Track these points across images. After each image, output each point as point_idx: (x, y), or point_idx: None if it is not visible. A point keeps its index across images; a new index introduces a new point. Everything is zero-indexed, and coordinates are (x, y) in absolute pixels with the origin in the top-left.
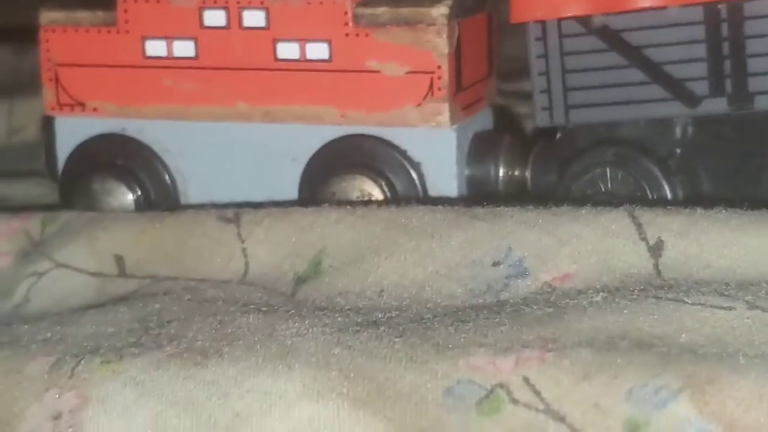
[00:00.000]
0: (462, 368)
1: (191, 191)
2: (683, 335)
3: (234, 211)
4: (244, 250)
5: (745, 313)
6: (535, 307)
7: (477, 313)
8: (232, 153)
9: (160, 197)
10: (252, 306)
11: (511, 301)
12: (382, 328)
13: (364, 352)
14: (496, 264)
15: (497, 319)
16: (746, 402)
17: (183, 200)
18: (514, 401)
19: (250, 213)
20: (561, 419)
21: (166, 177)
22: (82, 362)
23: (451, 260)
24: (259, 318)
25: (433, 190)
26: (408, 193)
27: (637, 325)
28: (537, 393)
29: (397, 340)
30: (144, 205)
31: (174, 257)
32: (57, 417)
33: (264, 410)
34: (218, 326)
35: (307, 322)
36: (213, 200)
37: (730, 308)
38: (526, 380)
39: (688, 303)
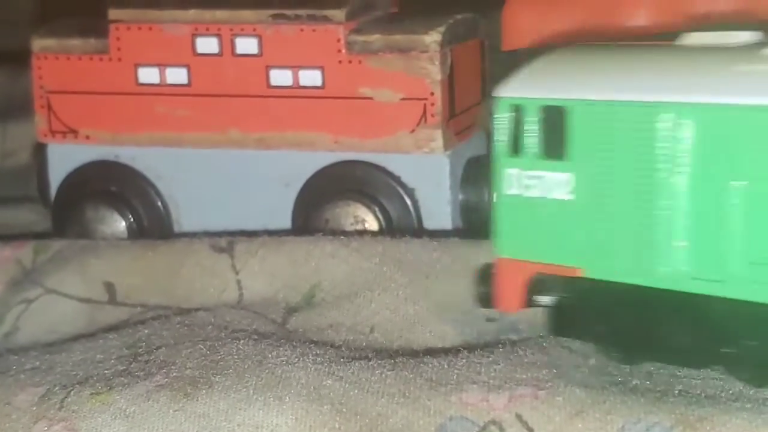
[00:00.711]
0: (455, 404)
1: (184, 218)
2: (678, 386)
3: (227, 239)
4: (238, 281)
5: None
6: (528, 351)
7: (470, 351)
8: (225, 180)
9: (153, 224)
10: (242, 332)
11: (505, 343)
12: (373, 360)
13: (356, 384)
14: (490, 320)
15: (490, 358)
16: None
17: (176, 227)
18: None
19: (244, 243)
20: None
21: (159, 204)
22: (72, 393)
23: (444, 301)
24: (249, 345)
25: (427, 216)
26: (401, 219)
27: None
28: (530, 430)
29: (389, 373)
30: (137, 232)
31: (166, 286)
32: None
33: None
34: (207, 353)
35: (298, 350)
36: (206, 227)
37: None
38: (519, 417)
39: None
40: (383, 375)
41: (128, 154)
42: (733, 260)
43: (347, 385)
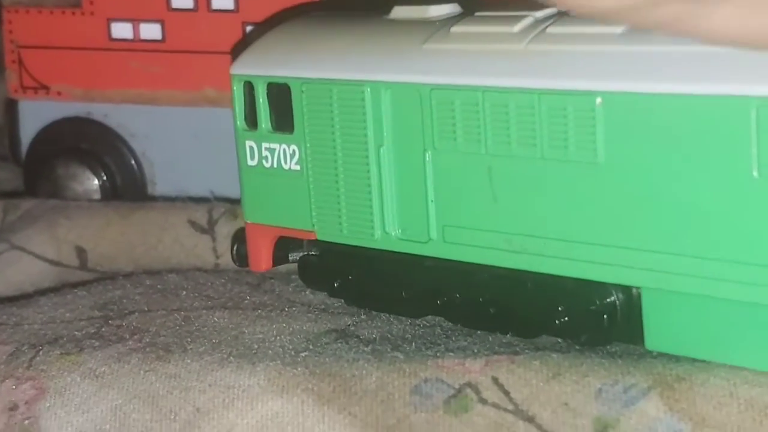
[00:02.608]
0: (431, 367)
1: (158, 177)
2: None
3: (207, 215)
4: (217, 264)
5: None
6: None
7: (447, 334)
8: (200, 138)
9: (127, 183)
10: (217, 300)
11: None
12: (353, 340)
13: (332, 354)
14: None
15: (469, 338)
16: (716, 399)
17: (150, 187)
18: (483, 401)
19: (225, 224)
20: (530, 419)
21: (133, 162)
22: (41, 353)
23: None
24: (225, 317)
25: None
26: None
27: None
28: (506, 393)
29: (366, 349)
30: (110, 191)
31: (141, 260)
32: (13, 408)
33: (226, 404)
34: (182, 323)
35: (275, 327)
36: (181, 186)
37: None
38: (495, 380)
39: None
40: (360, 349)
41: (101, 111)
42: (431, 224)
43: (322, 356)
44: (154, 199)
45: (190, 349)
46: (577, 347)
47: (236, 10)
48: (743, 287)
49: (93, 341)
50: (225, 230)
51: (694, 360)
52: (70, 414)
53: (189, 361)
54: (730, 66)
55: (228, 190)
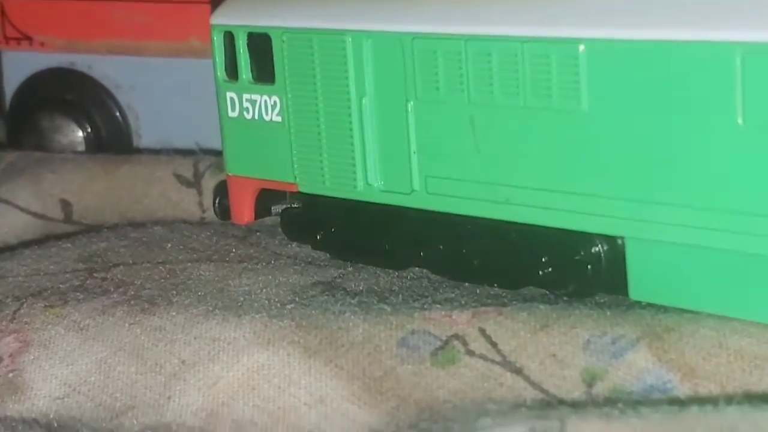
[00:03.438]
0: (417, 319)
1: (144, 129)
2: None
3: (193, 168)
4: (203, 218)
5: None
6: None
7: (434, 286)
8: (185, 90)
9: (112, 135)
10: (202, 253)
11: None
12: (339, 292)
13: (319, 307)
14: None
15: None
16: (706, 350)
17: (135, 139)
18: (470, 353)
19: (211, 177)
20: (517, 371)
21: (117, 114)
22: (25, 306)
23: None
24: (210, 269)
25: None
26: None
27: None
28: (493, 344)
29: (352, 301)
30: (94, 143)
31: (126, 213)
32: None
33: (211, 357)
34: (167, 276)
35: (260, 279)
36: (166, 138)
37: None
38: (483, 331)
39: None
40: (346, 301)
41: (85, 62)
42: (414, 175)
43: (309, 308)
44: (139, 151)
45: (176, 301)
46: (565, 298)
47: None
48: (728, 236)
49: (77, 294)
50: (211, 184)
51: (683, 311)
52: (55, 367)
53: (174, 313)
54: (715, 12)
55: (214, 142)
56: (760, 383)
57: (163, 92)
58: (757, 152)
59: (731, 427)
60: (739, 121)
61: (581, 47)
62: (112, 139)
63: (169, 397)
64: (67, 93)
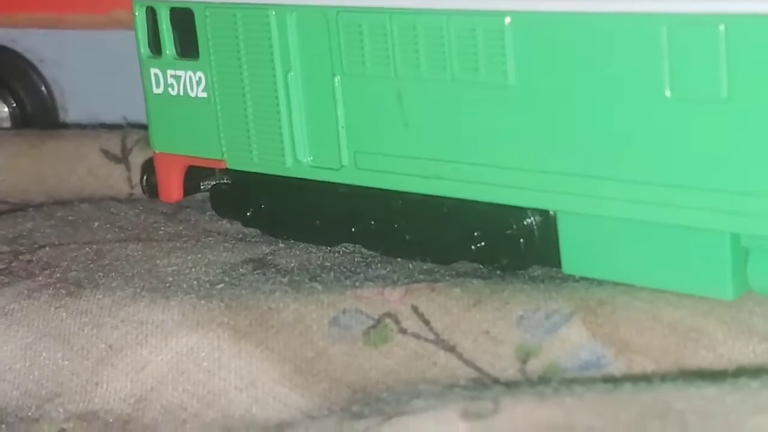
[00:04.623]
0: (349, 298)
1: (70, 103)
2: None
3: (121, 143)
4: (132, 194)
5: None
6: None
7: (367, 262)
8: (110, 63)
9: (37, 109)
10: (130, 231)
11: None
12: (270, 270)
13: (248, 287)
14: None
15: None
16: (639, 323)
17: (62, 113)
18: (403, 331)
19: (140, 152)
20: (451, 349)
21: (43, 88)
22: None
23: None
24: (138, 249)
25: None
26: None
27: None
28: (426, 322)
29: (283, 280)
30: (20, 118)
31: (53, 191)
32: None
33: (139, 341)
34: (95, 257)
35: (189, 258)
36: (93, 112)
37: None
38: (415, 309)
39: None
40: (277, 280)
41: (8, 36)
42: (343, 150)
43: (238, 288)
44: (66, 126)
45: (102, 284)
46: (498, 273)
47: None
48: (659, 209)
49: (2, 277)
50: (139, 159)
51: (617, 284)
52: None
53: (101, 296)
54: None
55: (142, 116)
56: (694, 356)
57: (88, 66)
58: (684, 125)
59: (666, 405)
60: (667, 93)
61: (507, 20)
62: (38, 115)
63: (96, 383)
64: None
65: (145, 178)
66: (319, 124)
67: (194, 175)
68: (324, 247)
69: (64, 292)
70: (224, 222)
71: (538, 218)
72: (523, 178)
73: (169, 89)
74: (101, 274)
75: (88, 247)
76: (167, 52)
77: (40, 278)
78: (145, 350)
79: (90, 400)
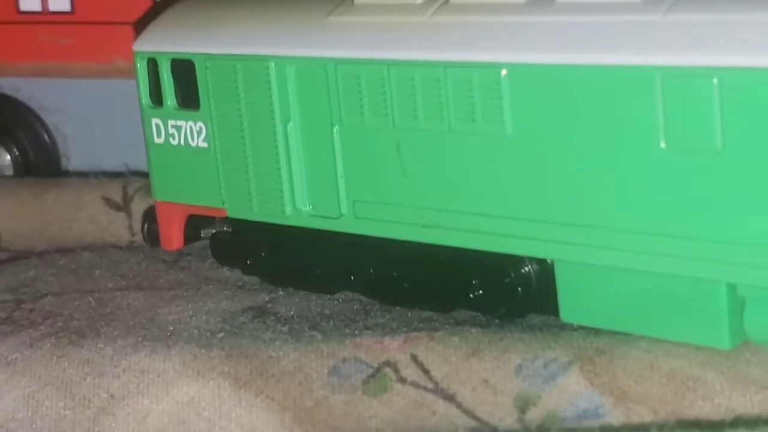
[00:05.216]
0: (349, 346)
1: (72, 151)
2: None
3: (122, 191)
4: (133, 242)
5: None
6: None
7: (366, 310)
8: (111, 110)
9: (40, 158)
10: (131, 279)
11: None
12: (270, 318)
13: (249, 335)
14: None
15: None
16: (637, 372)
17: (64, 161)
18: (402, 380)
19: (141, 200)
20: (450, 398)
21: (45, 136)
22: None
23: None
24: (140, 298)
25: None
26: None
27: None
28: (425, 371)
29: (283, 328)
30: (23, 166)
31: (55, 238)
32: None
33: (141, 390)
34: (96, 306)
35: (190, 306)
36: (95, 160)
37: None
38: (414, 358)
39: None
40: (277, 329)
41: (11, 85)
42: (342, 199)
43: (239, 337)
44: (68, 173)
45: (104, 333)
46: (496, 321)
47: None
48: (655, 258)
49: (4, 326)
50: (141, 207)
51: (614, 332)
52: None
53: (102, 345)
54: (635, 36)
55: (143, 164)
56: (691, 406)
57: (90, 113)
58: (679, 175)
59: None
60: (662, 144)
61: (503, 71)
62: (41, 162)
63: None
64: None
65: (146, 226)
66: (318, 174)
67: (195, 224)
68: (323, 295)
69: (66, 341)
70: (224, 270)
71: (535, 267)
72: (521, 227)
73: (170, 139)
74: (103, 323)
75: (90, 295)
76: (168, 102)
77: (42, 327)
78: (147, 399)
79: None
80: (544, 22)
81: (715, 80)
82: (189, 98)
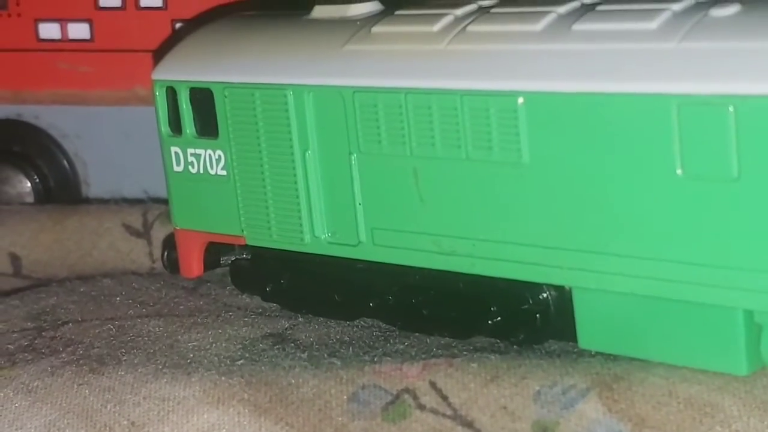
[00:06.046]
0: (368, 373)
1: (92, 177)
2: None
3: (142, 218)
4: (153, 268)
5: None
6: None
7: (385, 336)
8: (131, 137)
9: (60, 184)
10: (152, 307)
11: None
12: (289, 345)
13: (268, 362)
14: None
15: (407, 340)
16: (655, 398)
17: (84, 188)
18: (421, 407)
19: (161, 227)
20: (469, 424)
21: (65, 163)
22: None
23: None
24: (160, 325)
25: None
26: None
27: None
28: (444, 398)
29: (302, 355)
30: (43, 193)
31: (75, 265)
32: None
33: (161, 417)
34: (116, 333)
35: (210, 333)
36: (115, 186)
37: None
38: (433, 385)
39: None
40: (297, 356)
41: (31, 113)
42: (360, 227)
43: (259, 364)
44: (88, 200)
45: (125, 360)
46: (515, 347)
47: (165, 8)
48: (672, 285)
49: (26, 354)
50: (160, 234)
51: (632, 359)
52: (4, 430)
53: (123, 373)
54: (650, 64)
55: (162, 190)
56: None
57: (110, 140)
58: (696, 203)
59: None
60: (678, 171)
61: (520, 100)
62: (61, 189)
63: None
64: (14, 144)
65: (166, 253)
66: (337, 202)
67: (214, 251)
68: (342, 322)
69: (86, 368)
70: (244, 296)
71: (553, 293)
72: (538, 254)
73: (190, 167)
74: (123, 350)
75: (111, 323)
76: (187, 131)
77: (63, 355)
78: (167, 427)
79: None
80: (561, 51)
81: (731, 108)
82: (208, 126)
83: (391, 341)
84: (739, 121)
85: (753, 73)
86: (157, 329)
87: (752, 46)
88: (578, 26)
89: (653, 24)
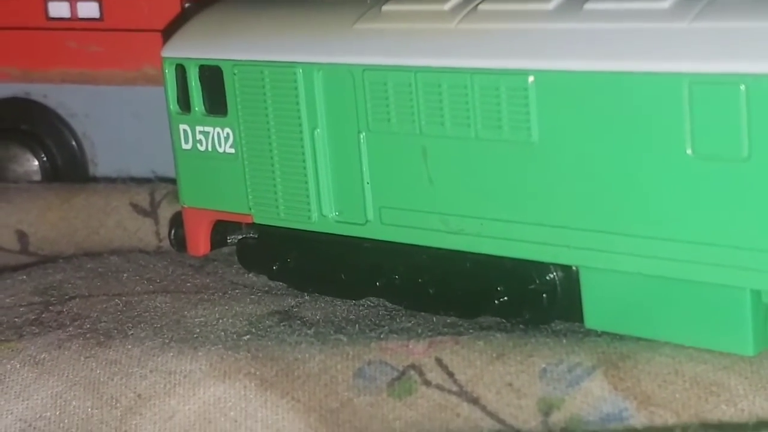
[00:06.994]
0: (374, 350)
1: (100, 157)
2: None
3: (150, 197)
4: (160, 247)
5: None
6: None
7: (391, 315)
8: (139, 117)
9: (67, 163)
10: (158, 283)
11: None
12: (296, 322)
13: (275, 338)
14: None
15: (413, 318)
16: (661, 377)
17: (91, 167)
18: (427, 383)
19: (168, 206)
20: (474, 401)
21: (73, 142)
22: None
23: None
24: (167, 301)
25: None
26: None
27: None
28: (450, 374)
29: (309, 331)
30: (50, 172)
31: (83, 243)
32: None
33: (167, 390)
34: (124, 308)
35: (217, 309)
36: (122, 166)
37: None
38: (439, 361)
39: None
40: (303, 332)
41: (40, 91)
42: (368, 205)
43: (265, 339)
44: (95, 179)
45: (131, 334)
46: (521, 327)
47: None
48: (680, 265)
49: (33, 328)
50: (168, 213)
51: (639, 338)
52: (10, 402)
53: (130, 346)
54: (661, 43)
55: (170, 170)
56: (714, 410)
57: (118, 120)
58: (705, 182)
59: None
60: (688, 151)
61: (530, 78)
62: (68, 168)
63: None
64: (22, 122)
65: (173, 231)
66: (345, 180)
67: (221, 229)
68: (349, 301)
69: (93, 342)
70: (250, 275)
71: (560, 273)
72: (546, 234)
73: (198, 145)
74: (130, 324)
75: (118, 298)
76: (196, 108)
77: (70, 329)
78: (173, 400)
79: None
80: (571, 29)
81: (742, 87)
82: (217, 104)
83: (398, 320)
84: (750, 101)
85: (765, 53)
86: (164, 305)
87: (764, 25)
88: (589, 5)
89: (665, 3)
